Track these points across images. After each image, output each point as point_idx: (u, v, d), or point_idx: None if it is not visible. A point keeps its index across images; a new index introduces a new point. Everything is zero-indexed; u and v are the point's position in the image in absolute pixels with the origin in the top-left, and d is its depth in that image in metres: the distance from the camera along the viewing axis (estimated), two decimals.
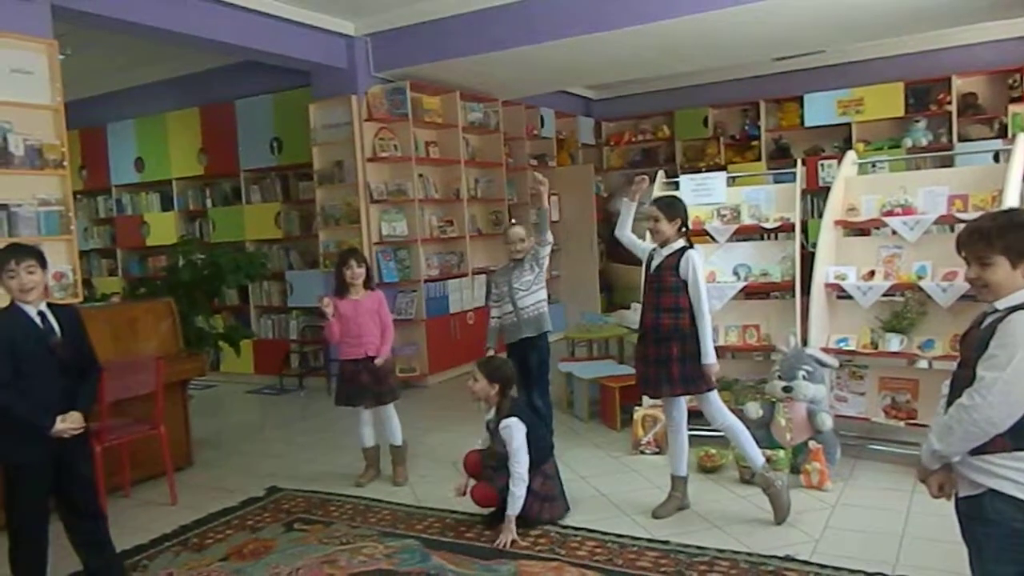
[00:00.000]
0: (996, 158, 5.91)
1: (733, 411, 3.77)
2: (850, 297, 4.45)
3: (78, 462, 3.02)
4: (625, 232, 3.93)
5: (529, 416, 3.75)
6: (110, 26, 5.33)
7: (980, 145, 7.72)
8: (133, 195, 8.89)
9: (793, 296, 4.71)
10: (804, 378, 4.18)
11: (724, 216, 4.96)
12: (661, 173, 5.28)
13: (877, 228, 4.69)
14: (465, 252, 7.71)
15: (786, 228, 4.85)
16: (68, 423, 2.90)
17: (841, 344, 4.46)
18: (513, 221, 5.19)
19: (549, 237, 4.43)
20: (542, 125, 9.41)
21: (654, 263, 3.69)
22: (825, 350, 4.40)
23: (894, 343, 4.27)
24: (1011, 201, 4.00)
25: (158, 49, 6.78)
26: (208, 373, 5.62)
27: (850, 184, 4.77)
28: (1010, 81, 8.16)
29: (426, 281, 7.14)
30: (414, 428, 5.11)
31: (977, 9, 6.04)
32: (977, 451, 1.89)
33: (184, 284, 5.86)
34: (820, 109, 9.00)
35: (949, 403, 1.95)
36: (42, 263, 2.94)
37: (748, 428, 3.75)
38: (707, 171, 6.76)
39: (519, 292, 4.41)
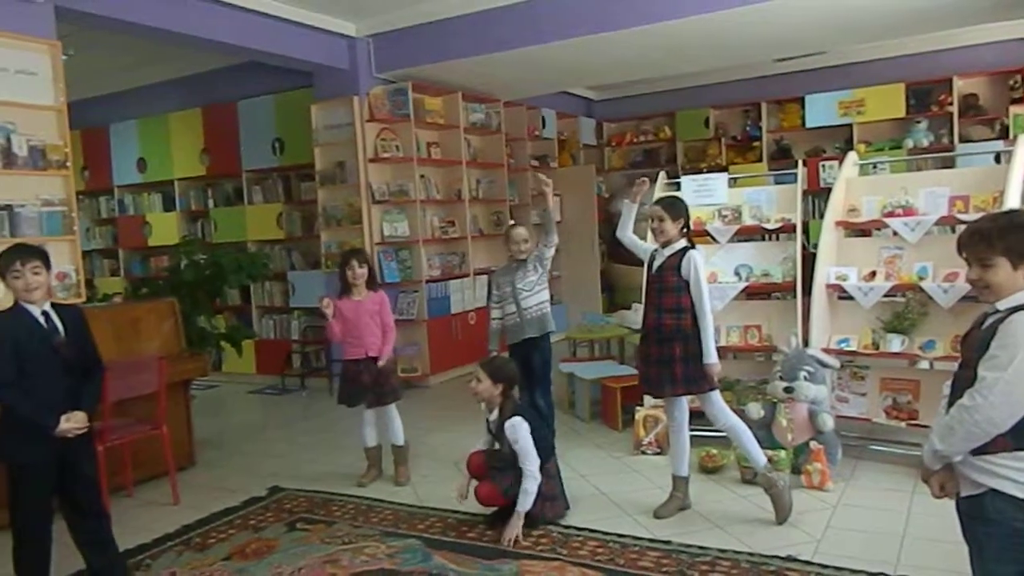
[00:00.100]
0: (997, 159, 5.92)
1: (734, 411, 3.78)
2: (851, 298, 4.46)
3: (82, 461, 3.03)
4: (626, 234, 3.94)
5: (531, 416, 3.76)
6: (113, 27, 5.34)
7: (981, 146, 7.73)
8: (135, 195, 8.91)
9: (794, 297, 4.71)
10: (805, 379, 4.19)
11: (725, 217, 4.97)
12: (662, 174, 5.30)
13: (878, 229, 4.69)
14: (466, 253, 7.72)
15: (787, 229, 4.85)
16: (72, 423, 2.91)
17: (842, 345, 4.47)
18: (512, 222, 5.20)
19: (554, 238, 4.45)
20: (544, 126, 9.42)
21: (656, 263, 3.70)
22: (826, 351, 4.41)
23: (895, 344, 4.27)
24: (1012, 202, 4.01)
25: (160, 50, 6.79)
26: (210, 373, 5.62)
27: (851, 185, 4.78)
28: (1011, 82, 8.17)
29: (428, 281, 7.15)
30: (416, 428, 5.12)
31: (978, 10, 6.04)
32: (978, 451, 1.89)
33: (186, 284, 5.87)
34: (821, 110, 9.01)
35: (950, 403, 1.96)
36: (47, 264, 2.95)
37: (750, 428, 3.76)
38: (708, 172, 6.76)
39: (523, 292, 4.42)
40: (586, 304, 8.91)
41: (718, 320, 4.35)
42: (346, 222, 6.97)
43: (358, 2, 6.34)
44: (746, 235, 5.09)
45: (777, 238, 5.23)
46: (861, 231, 4.86)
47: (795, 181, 4.90)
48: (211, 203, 8.34)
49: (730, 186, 5.10)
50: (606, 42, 6.26)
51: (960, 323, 3.81)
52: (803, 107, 9.18)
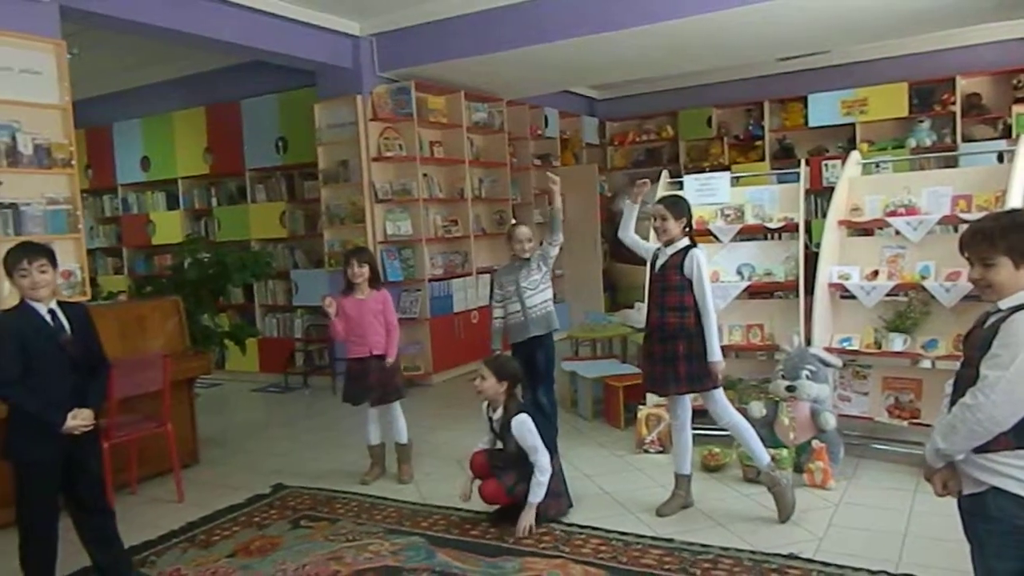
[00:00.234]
0: (1000, 158, 5.91)
1: (737, 410, 3.79)
2: (853, 297, 4.46)
3: (87, 459, 3.05)
4: (628, 234, 3.96)
5: (535, 414, 3.77)
6: (117, 26, 5.36)
7: (984, 145, 7.71)
8: (139, 194, 8.93)
9: (797, 296, 4.72)
10: (808, 377, 4.19)
11: (728, 216, 4.97)
12: (665, 173, 5.30)
13: (881, 228, 4.69)
14: (469, 251, 7.74)
15: (790, 228, 4.86)
16: (79, 420, 2.92)
17: (844, 344, 4.48)
18: (515, 221, 5.20)
19: (560, 237, 4.46)
20: (546, 125, 9.42)
21: (659, 262, 3.71)
22: (829, 350, 4.42)
23: (897, 343, 4.28)
24: (1015, 202, 4.01)
25: (164, 49, 6.81)
26: (214, 371, 5.65)
27: (854, 184, 4.78)
28: (1014, 82, 8.16)
29: (430, 280, 7.16)
30: (419, 426, 5.13)
31: (981, 10, 6.04)
32: (981, 449, 1.90)
33: (190, 283, 5.89)
34: (824, 109, 9.00)
35: (953, 402, 1.97)
36: (53, 262, 2.97)
37: (752, 427, 3.77)
38: (711, 171, 6.77)
39: (527, 291, 4.44)
40: (589, 303, 8.92)
41: (720, 319, 4.34)
42: (349, 221, 6.99)
43: (362, 2, 6.36)
44: (748, 234, 5.09)
45: (779, 237, 5.23)
46: (863, 230, 4.87)
47: (798, 180, 4.91)
48: (215, 202, 8.35)
49: (732, 185, 5.10)
50: (608, 42, 6.27)
51: (962, 322, 3.82)
52: (806, 106, 9.17)
